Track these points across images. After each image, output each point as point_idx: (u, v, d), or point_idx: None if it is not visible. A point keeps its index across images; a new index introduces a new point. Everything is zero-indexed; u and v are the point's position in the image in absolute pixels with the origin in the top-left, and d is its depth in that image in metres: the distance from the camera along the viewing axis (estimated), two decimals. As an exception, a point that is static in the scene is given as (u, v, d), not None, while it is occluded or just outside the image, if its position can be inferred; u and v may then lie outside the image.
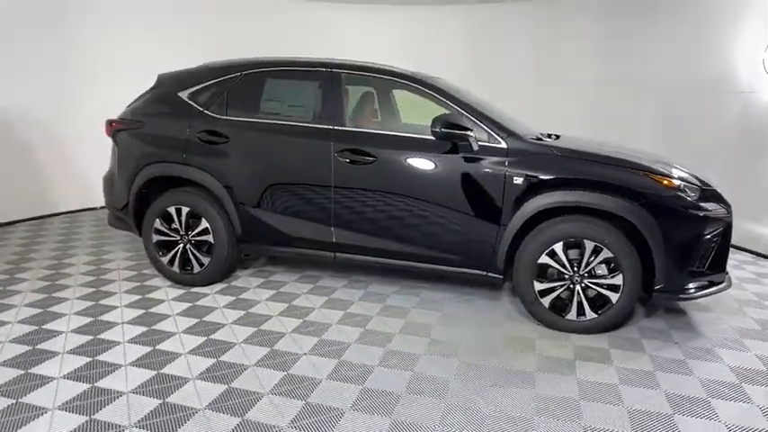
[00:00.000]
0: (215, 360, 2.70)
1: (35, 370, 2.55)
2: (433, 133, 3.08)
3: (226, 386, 2.45)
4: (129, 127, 3.77)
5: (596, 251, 2.97)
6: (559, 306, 3.10)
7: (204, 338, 2.95)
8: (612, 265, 2.96)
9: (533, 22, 6.86)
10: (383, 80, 3.49)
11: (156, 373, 2.56)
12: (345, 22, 7.04)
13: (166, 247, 3.74)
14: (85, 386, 2.42)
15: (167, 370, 2.59)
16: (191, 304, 3.44)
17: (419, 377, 2.57)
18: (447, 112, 3.20)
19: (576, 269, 3.03)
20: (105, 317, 3.20)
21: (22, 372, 2.52)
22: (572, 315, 3.08)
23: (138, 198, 3.74)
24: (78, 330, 3.01)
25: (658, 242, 2.88)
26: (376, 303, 3.48)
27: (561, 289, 3.08)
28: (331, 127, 3.37)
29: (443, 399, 2.38)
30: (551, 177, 3.01)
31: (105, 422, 2.15)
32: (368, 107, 3.76)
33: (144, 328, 3.05)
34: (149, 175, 3.66)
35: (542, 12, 6.75)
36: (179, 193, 3.65)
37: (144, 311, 3.31)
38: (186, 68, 3.94)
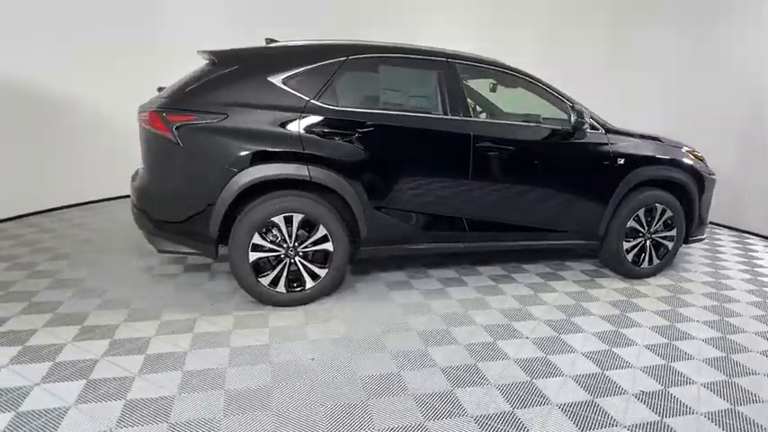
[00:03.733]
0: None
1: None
2: (576, 122, 3.47)
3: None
4: (203, 120, 2.95)
5: (663, 212, 3.88)
6: (634, 258, 3.93)
7: (388, 354, 2.75)
8: (670, 221, 3.93)
9: (609, 8, 6.92)
10: (499, 73, 3.60)
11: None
12: (417, 6, 6.97)
13: (263, 265, 3.13)
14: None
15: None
16: (319, 325, 3.03)
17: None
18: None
19: (648, 228, 3.89)
20: (281, 356, 2.60)
21: None
22: (645, 263, 3.95)
23: (229, 208, 3.01)
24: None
25: (697, 201, 3.96)
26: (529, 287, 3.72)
27: (638, 245, 3.91)
28: (470, 119, 3.38)
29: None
30: (641, 157, 3.76)
31: None
32: (488, 99, 3.80)
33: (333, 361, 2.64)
34: (255, 179, 2.97)
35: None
36: (287, 198, 3.08)
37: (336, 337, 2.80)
38: (258, 47, 3.28)
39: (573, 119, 3.49)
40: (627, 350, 2.83)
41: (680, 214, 3.93)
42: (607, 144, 3.68)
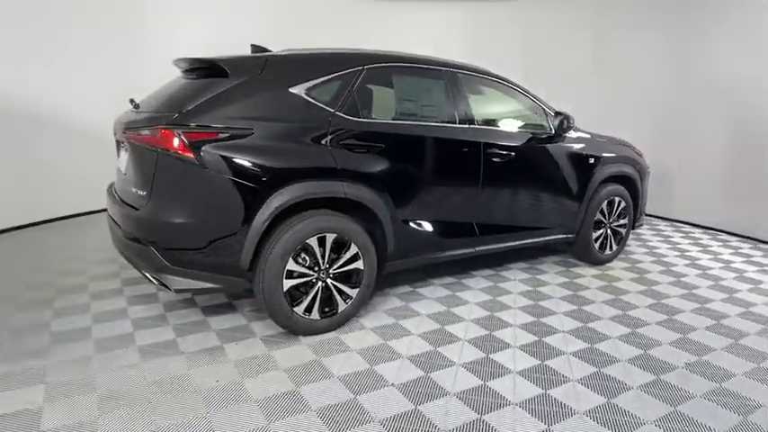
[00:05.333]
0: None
1: None
2: (559, 127, 3.77)
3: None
4: (227, 137, 2.60)
5: (619, 204, 4.40)
6: (599, 247, 4.39)
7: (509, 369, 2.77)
8: (623, 212, 4.46)
9: (593, 11, 6.89)
10: (493, 82, 3.72)
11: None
12: (402, 20, 7.12)
13: (298, 291, 2.88)
14: None
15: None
16: (365, 360, 2.90)
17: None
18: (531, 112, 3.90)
19: (608, 218, 4.38)
20: (364, 388, 2.41)
21: None
22: (608, 250, 4.43)
23: (263, 233, 2.71)
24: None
25: (640, 192, 4.56)
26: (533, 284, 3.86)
27: (602, 234, 4.37)
28: (481, 127, 3.46)
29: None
30: (605, 156, 4.20)
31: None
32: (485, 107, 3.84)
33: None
34: (296, 197, 2.70)
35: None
36: (323, 218, 2.86)
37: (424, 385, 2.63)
38: (270, 55, 2.99)
39: (556, 122, 3.81)
40: (646, 329, 3.16)
41: (630, 204, 4.49)
42: (580, 145, 4.05)
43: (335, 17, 7.08)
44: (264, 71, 2.83)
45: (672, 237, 5.57)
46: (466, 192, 3.45)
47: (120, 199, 2.95)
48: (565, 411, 2.28)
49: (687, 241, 5.37)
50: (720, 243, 5.34)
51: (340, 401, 2.31)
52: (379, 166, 3.03)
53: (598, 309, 3.47)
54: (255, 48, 3.36)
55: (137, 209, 2.69)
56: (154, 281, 2.74)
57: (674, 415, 2.27)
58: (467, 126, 3.41)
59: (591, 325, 3.21)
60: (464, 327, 3.13)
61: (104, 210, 5.68)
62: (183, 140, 2.52)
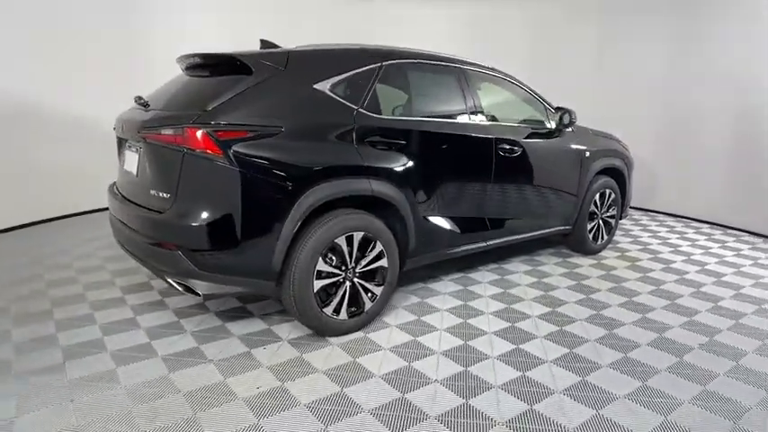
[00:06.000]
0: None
1: None
2: (562, 122, 3.87)
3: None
4: (257, 135, 2.51)
5: (609, 196, 4.58)
6: (593, 236, 4.56)
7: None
8: (612, 203, 4.65)
9: (597, 15, 6.81)
10: (499, 79, 3.77)
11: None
12: (402, 15, 7.20)
13: (324, 292, 2.83)
14: (600, 416, 2.19)
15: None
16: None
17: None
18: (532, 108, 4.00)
19: (600, 209, 4.55)
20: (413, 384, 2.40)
21: None
22: (599, 240, 4.61)
23: (296, 233, 2.65)
24: None
25: (627, 183, 4.77)
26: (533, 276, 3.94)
27: (595, 225, 4.54)
28: (494, 123, 3.51)
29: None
30: (597, 150, 4.36)
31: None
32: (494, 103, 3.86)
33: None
34: (324, 197, 2.66)
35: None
36: (351, 216, 2.81)
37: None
38: (291, 50, 2.90)
39: (557, 117, 3.93)
40: (654, 314, 3.31)
41: (619, 196, 4.69)
42: (578, 139, 4.19)
43: (335, 15, 7.01)
44: (288, 67, 2.75)
45: (649, 225, 5.86)
46: (480, 187, 3.50)
47: (133, 201, 2.80)
48: (607, 396, 2.36)
49: (665, 229, 5.67)
50: (694, 230, 5.67)
51: (390, 401, 2.29)
52: (401, 162, 3.01)
53: (605, 297, 3.60)
54: (265, 43, 3.26)
55: (160, 212, 2.55)
56: (178, 286, 2.62)
57: (705, 394, 2.40)
58: (480, 122, 3.46)
59: (603, 312, 3.33)
60: (486, 319, 3.18)
61: (85, 212, 5.56)
62: (212, 139, 2.41)
